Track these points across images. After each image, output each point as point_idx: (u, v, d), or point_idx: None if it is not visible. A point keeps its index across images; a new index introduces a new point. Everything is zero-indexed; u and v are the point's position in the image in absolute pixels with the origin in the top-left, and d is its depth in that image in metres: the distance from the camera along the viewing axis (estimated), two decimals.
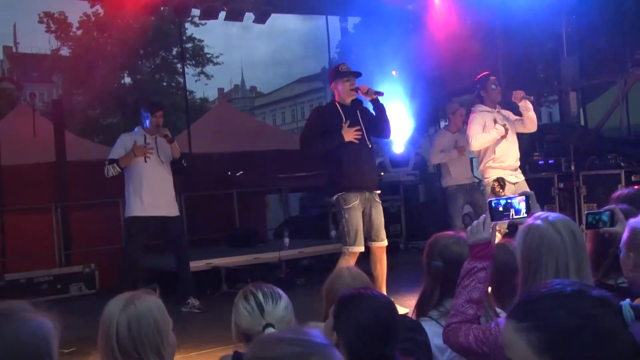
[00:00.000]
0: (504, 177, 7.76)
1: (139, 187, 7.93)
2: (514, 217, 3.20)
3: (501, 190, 7.59)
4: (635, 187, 5.01)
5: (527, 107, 7.78)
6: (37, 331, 2.03)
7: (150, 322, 2.62)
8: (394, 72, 11.98)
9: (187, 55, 32.33)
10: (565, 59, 11.76)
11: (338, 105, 7.12)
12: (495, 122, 7.81)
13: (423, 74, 12.68)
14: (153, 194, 7.97)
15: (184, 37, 29.59)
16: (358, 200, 6.98)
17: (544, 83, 13.78)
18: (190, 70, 32.99)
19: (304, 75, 56.02)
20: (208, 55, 35.22)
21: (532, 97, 7.85)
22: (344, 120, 7.02)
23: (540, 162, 10.88)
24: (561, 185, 10.37)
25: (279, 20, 14.22)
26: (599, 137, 11.08)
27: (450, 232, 3.73)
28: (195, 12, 11.35)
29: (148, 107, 8.24)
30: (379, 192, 7.33)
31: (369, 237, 7.18)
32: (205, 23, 27.55)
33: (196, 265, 9.16)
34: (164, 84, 33.46)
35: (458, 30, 11.16)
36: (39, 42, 33.58)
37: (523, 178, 8.03)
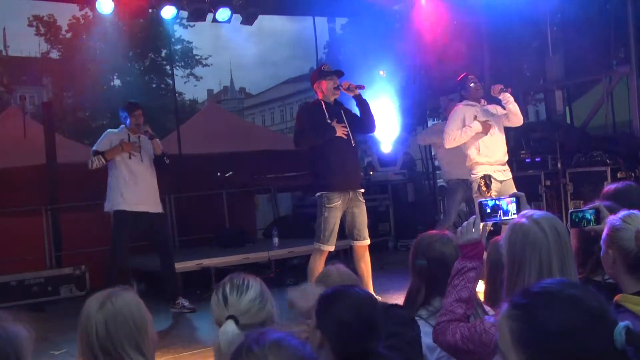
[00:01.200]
0: (491, 174, 7.78)
1: (121, 184, 8.00)
2: (504, 217, 3.25)
3: (486, 190, 7.63)
4: (626, 182, 5.02)
5: (507, 99, 7.82)
6: (11, 339, 2.07)
7: (128, 320, 2.61)
8: (381, 72, 12.03)
9: (176, 57, 32.30)
10: (551, 58, 11.83)
11: (323, 104, 7.20)
12: (475, 117, 7.86)
13: (410, 73, 12.74)
14: (134, 190, 8.03)
15: (173, 39, 29.57)
16: (340, 201, 7.04)
17: (529, 81, 13.85)
18: (179, 72, 32.97)
19: (293, 76, 55.91)
20: (197, 57, 35.20)
21: (509, 89, 7.88)
22: (327, 117, 7.10)
23: (526, 160, 10.94)
24: (548, 182, 10.43)
25: (267, 22, 14.22)
26: (585, 135, 11.15)
27: (434, 231, 3.78)
28: (184, 14, 11.38)
29: (126, 107, 8.32)
30: (362, 191, 7.37)
31: (351, 236, 7.25)
32: (194, 25, 27.63)
33: (186, 265, 9.21)
34: (153, 85, 33.40)
35: (445, 30, 11.22)
36: (28, 45, 33.48)
37: (510, 176, 8.03)
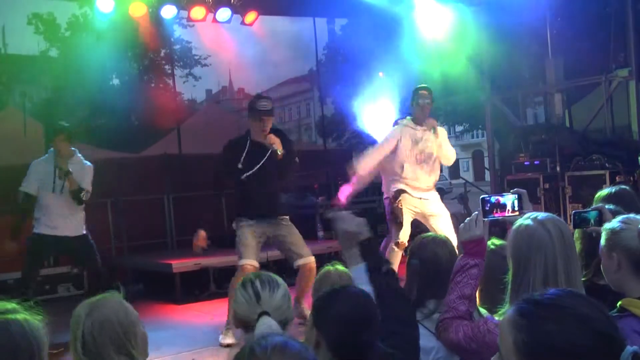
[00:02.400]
0: (406, 189, 7.43)
1: (42, 212, 7.78)
2: (505, 215, 3.26)
3: (394, 201, 7.27)
4: (620, 186, 5.01)
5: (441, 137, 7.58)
6: (29, 331, 2.08)
7: (115, 325, 2.59)
8: (380, 74, 12.02)
9: (175, 57, 32.27)
10: (550, 61, 11.86)
11: (248, 143, 7.00)
12: (414, 142, 7.47)
13: (410, 75, 12.74)
14: (53, 218, 7.77)
15: (172, 39, 29.54)
16: (253, 222, 6.93)
17: (529, 84, 13.86)
18: (178, 72, 32.94)
19: (292, 76, 55.83)
20: (196, 57, 35.17)
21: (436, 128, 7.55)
22: (241, 160, 6.96)
23: (525, 163, 10.98)
24: (547, 185, 10.46)
25: (266, 22, 14.20)
26: (584, 138, 11.17)
27: (431, 232, 3.78)
28: (183, 13, 11.39)
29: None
30: (285, 217, 7.17)
31: (291, 260, 7.09)
32: (193, 25, 27.60)
33: (184, 265, 9.23)
34: (152, 85, 33.39)
35: (444, 31, 11.22)
36: (27, 43, 33.40)
37: (433, 198, 7.62)
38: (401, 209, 7.31)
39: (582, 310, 1.56)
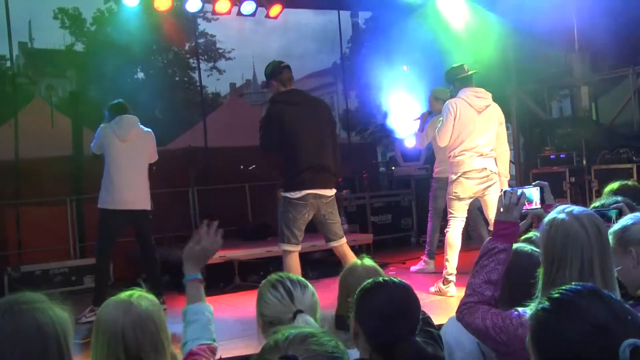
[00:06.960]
0: None
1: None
2: (528, 207, 3.23)
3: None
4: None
5: None
6: (55, 320, 2.12)
7: (150, 323, 2.59)
8: (404, 67, 11.99)
9: (200, 50, 32.38)
10: (576, 54, 11.75)
11: None
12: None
13: (434, 68, 12.69)
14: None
15: (197, 33, 29.67)
16: None
17: (554, 77, 13.75)
18: (202, 65, 33.09)
19: (316, 70, 55.77)
20: (220, 51, 35.32)
21: None
22: None
23: (551, 157, 10.91)
24: (573, 179, 10.40)
25: (291, 15, 14.26)
26: (611, 132, 11.09)
27: None
28: (208, 7, 11.42)
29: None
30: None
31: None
32: (218, 18, 27.68)
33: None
34: (177, 78, 33.54)
35: (469, 24, 11.16)
36: (53, 37, 33.79)
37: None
38: None
39: (579, 302, 1.62)
